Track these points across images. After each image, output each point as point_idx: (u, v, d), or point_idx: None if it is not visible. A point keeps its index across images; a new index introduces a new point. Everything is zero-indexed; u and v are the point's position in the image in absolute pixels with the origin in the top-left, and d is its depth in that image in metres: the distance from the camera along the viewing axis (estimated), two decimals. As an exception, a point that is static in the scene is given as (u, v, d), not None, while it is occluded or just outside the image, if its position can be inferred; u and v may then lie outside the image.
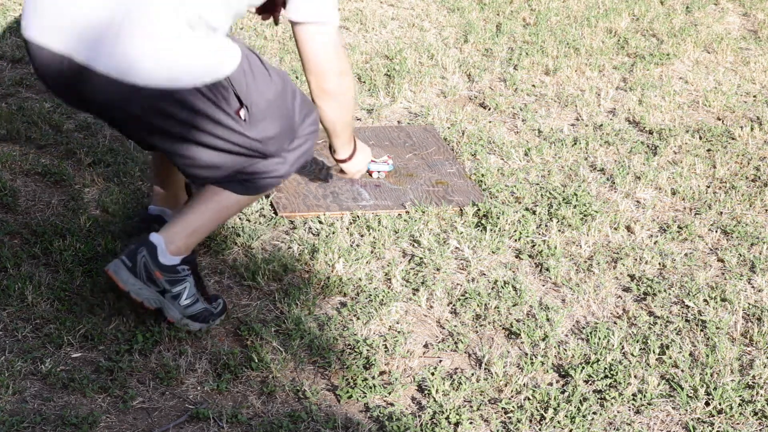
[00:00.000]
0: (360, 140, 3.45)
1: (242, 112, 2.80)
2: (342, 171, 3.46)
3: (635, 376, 2.85)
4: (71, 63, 2.72)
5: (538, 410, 2.72)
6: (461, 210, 3.60)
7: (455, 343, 2.97)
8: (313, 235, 3.44)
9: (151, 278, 2.83)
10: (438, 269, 3.28)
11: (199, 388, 2.75)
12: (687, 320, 3.11)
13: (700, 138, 4.22)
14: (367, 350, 2.90)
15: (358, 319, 3.03)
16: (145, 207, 3.36)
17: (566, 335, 3.03)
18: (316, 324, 2.99)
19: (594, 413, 2.72)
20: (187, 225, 2.89)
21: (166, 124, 2.77)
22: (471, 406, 2.73)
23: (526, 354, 2.94)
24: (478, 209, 3.58)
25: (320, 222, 3.49)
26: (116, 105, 2.77)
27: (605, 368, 2.87)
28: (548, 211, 3.61)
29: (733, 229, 3.57)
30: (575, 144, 4.11)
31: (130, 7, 2.66)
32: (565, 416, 2.69)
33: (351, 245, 3.37)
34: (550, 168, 3.91)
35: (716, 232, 3.57)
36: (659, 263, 3.38)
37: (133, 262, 2.83)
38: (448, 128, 4.19)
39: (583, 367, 2.86)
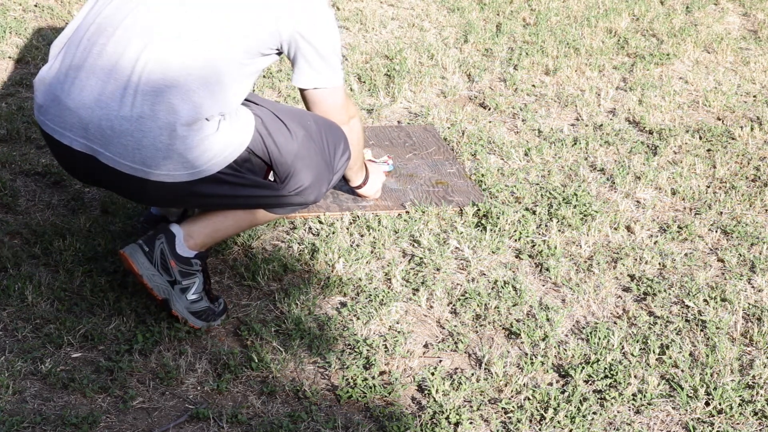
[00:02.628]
0: (370, 163, 3.58)
1: (271, 175, 2.88)
2: (360, 194, 3.60)
3: (635, 376, 2.85)
4: (95, 160, 2.77)
5: (538, 410, 2.72)
6: (461, 210, 3.60)
7: (455, 343, 2.97)
8: (313, 235, 3.44)
9: (165, 266, 2.86)
10: (438, 269, 3.28)
11: (199, 388, 2.75)
12: (687, 320, 3.11)
13: (700, 138, 4.22)
14: (367, 350, 2.90)
15: (358, 319, 3.03)
16: (147, 207, 3.37)
17: (566, 335, 3.03)
18: (316, 324, 2.99)
19: (594, 413, 2.72)
20: (210, 224, 2.92)
21: (196, 202, 2.90)
22: (471, 406, 2.73)
23: (526, 354, 2.94)
24: (478, 209, 3.58)
25: (320, 222, 3.49)
26: (142, 194, 2.88)
27: (605, 368, 2.87)
28: (548, 211, 3.61)
29: (733, 229, 3.57)
30: (575, 144, 4.11)
31: (150, 114, 2.71)
32: (565, 416, 2.69)
33: (351, 245, 3.37)
34: (550, 168, 3.91)
35: (716, 232, 3.57)
36: (659, 263, 3.38)
37: (150, 247, 2.85)
38: (448, 128, 4.19)
39: (583, 367, 2.86)
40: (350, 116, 3.11)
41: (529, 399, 2.76)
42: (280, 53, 2.92)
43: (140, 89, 2.70)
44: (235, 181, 2.83)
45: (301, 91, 3.01)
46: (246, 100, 2.92)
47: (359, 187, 3.52)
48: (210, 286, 2.99)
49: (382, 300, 3.11)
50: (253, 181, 2.86)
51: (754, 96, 4.64)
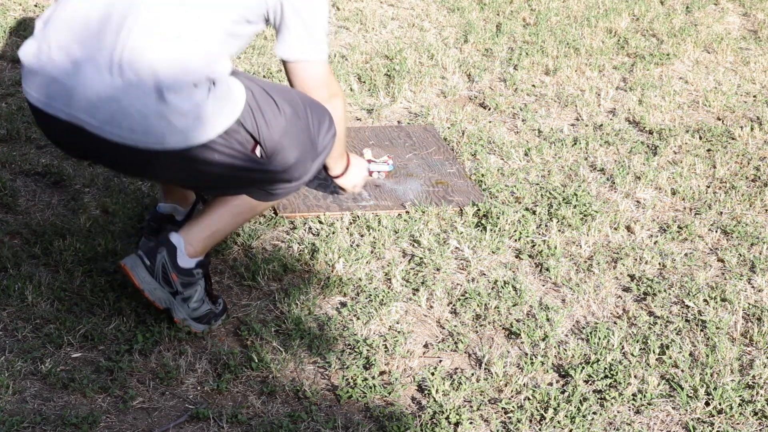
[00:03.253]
0: (354, 155, 3.47)
1: (258, 150, 2.83)
2: (342, 188, 3.50)
3: (635, 376, 2.85)
4: (82, 131, 2.73)
5: (538, 410, 2.72)
6: (461, 210, 3.60)
7: (455, 343, 2.97)
8: (313, 235, 3.44)
9: (167, 279, 2.84)
10: (438, 269, 3.28)
11: (199, 388, 2.75)
12: (687, 320, 3.11)
13: (700, 138, 4.22)
14: (367, 350, 2.90)
15: (358, 319, 3.03)
16: (154, 205, 3.36)
17: (566, 335, 3.03)
18: (316, 324, 2.99)
19: (594, 413, 2.72)
20: (207, 227, 2.90)
21: (184, 175, 2.83)
22: (471, 406, 2.73)
23: (526, 354, 2.94)
24: (478, 209, 3.58)
25: (320, 222, 3.49)
26: (129, 165, 2.82)
27: (605, 368, 2.87)
28: (548, 211, 3.61)
29: (733, 229, 3.57)
30: (575, 144, 4.11)
31: (136, 82, 2.66)
32: (565, 416, 2.69)
33: (351, 245, 3.37)
34: (550, 168, 3.91)
35: (716, 232, 3.57)
36: (659, 263, 3.38)
37: (152, 260, 2.83)
38: (448, 128, 4.19)
39: (583, 367, 2.86)
40: (332, 94, 3.03)
41: (529, 399, 2.76)
42: (267, 21, 2.88)
43: (125, 56, 2.66)
44: (226, 152, 2.77)
45: (284, 63, 2.96)
46: (236, 75, 2.90)
47: (338, 176, 3.41)
48: (211, 287, 2.99)
49: (382, 300, 3.11)
50: (243, 154, 2.80)
51: (754, 96, 4.64)
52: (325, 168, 3.35)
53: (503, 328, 3.05)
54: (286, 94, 2.92)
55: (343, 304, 3.11)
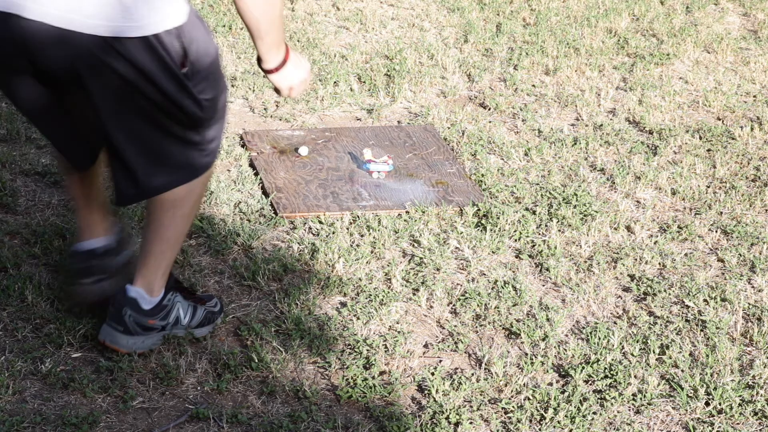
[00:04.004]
0: (296, 52, 2.91)
1: (186, 69, 2.59)
2: (277, 90, 2.89)
3: (635, 376, 2.85)
4: (8, 21, 2.49)
5: (538, 410, 2.72)
6: (461, 210, 3.60)
7: (455, 343, 2.97)
8: (313, 235, 3.44)
9: (147, 328, 2.81)
10: (438, 269, 3.28)
11: (199, 388, 2.75)
12: (687, 320, 3.11)
13: (700, 138, 4.22)
14: (367, 350, 2.90)
15: (358, 319, 3.03)
16: (73, 246, 3.04)
17: (566, 335, 3.03)
18: (316, 324, 2.99)
19: (594, 413, 2.72)
20: (155, 265, 2.80)
21: (109, 93, 2.56)
22: (471, 406, 2.73)
23: (526, 354, 2.94)
24: (478, 209, 3.58)
25: (320, 222, 3.49)
26: (50, 62, 2.53)
27: (605, 368, 2.87)
28: (548, 211, 3.61)
29: (733, 229, 3.57)
30: (575, 144, 4.11)
31: None
32: (565, 416, 2.69)
33: (351, 245, 3.37)
34: (550, 168, 3.91)
35: (716, 232, 3.57)
36: (659, 263, 3.38)
37: (122, 324, 2.79)
38: (448, 128, 4.19)
39: (583, 367, 2.86)
40: None
41: (529, 399, 2.76)
42: None
43: None
44: (161, 58, 2.51)
45: None
46: None
47: (272, 71, 2.83)
48: (191, 291, 2.96)
49: (382, 300, 3.11)
50: (174, 67, 2.55)
51: (754, 96, 4.64)
52: (258, 62, 2.82)
53: (503, 328, 3.05)
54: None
55: (343, 304, 3.11)
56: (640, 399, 2.78)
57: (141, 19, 2.48)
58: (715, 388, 2.81)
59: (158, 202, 2.75)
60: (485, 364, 2.88)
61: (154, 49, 2.51)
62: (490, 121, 4.28)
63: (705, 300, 3.19)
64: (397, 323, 3.03)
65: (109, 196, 3.00)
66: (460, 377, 2.82)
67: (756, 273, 3.35)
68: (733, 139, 4.22)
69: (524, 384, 2.81)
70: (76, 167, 2.87)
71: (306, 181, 3.73)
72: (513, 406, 2.73)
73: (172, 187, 2.72)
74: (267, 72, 2.84)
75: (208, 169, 2.78)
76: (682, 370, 2.88)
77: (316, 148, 3.95)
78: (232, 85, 4.42)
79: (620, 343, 2.98)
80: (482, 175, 3.82)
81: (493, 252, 3.39)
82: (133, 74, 2.53)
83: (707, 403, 2.78)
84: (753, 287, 3.29)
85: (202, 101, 2.65)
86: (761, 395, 2.80)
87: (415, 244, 3.41)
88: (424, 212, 3.56)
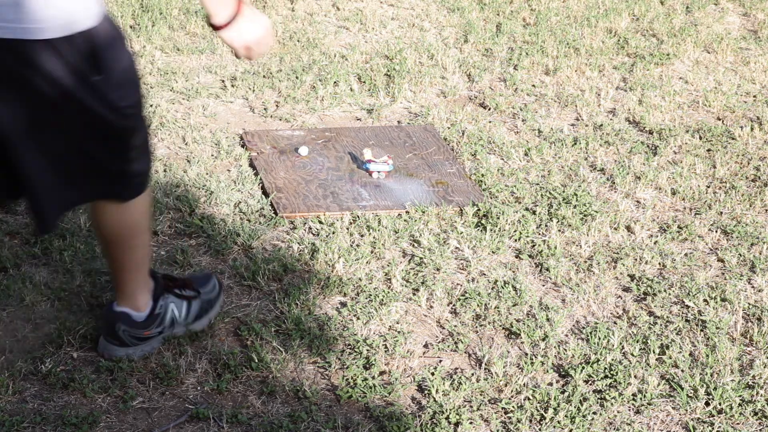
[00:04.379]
0: (251, 6, 2.53)
1: (99, 76, 2.39)
2: (225, 41, 2.54)
3: (635, 376, 2.85)
4: None
5: (538, 410, 2.72)
6: (461, 210, 3.60)
7: (455, 343, 2.97)
8: (313, 235, 3.44)
9: (143, 338, 2.81)
10: (438, 269, 3.28)
11: (199, 388, 2.75)
12: (687, 320, 3.11)
13: (700, 138, 4.22)
14: (367, 350, 2.90)
15: (358, 319, 3.03)
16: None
17: (566, 335, 3.03)
18: (316, 324, 2.99)
19: (594, 413, 2.72)
20: (132, 279, 2.76)
21: (10, 90, 2.33)
22: (471, 406, 2.73)
23: (526, 354, 2.94)
24: (478, 209, 3.58)
25: (320, 222, 3.49)
26: None
27: (605, 368, 2.87)
28: (548, 211, 3.61)
29: (733, 229, 3.57)
30: (575, 144, 4.11)
31: None
32: (565, 416, 2.69)
33: (351, 245, 3.37)
34: (550, 168, 3.91)
35: (716, 232, 3.57)
36: (659, 263, 3.38)
37: (118, 339, 2.79)
38: (448, 128, 4.19)
39: (583, 367, 2.86)
40: None
41: (529, 399, 2.76)
42: None
43: None
44: (69, 63, 2.32)
45: None
46: None
47: (221, 28, 2.49)
48: (183, 283, 2.91)
49: (382, 300, 3.11)
50: (84, 76, 2.35)
51: (754, 96, 4.64)
52: (208, 20, 2.51)
53: (503, 328, 3.05)
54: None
55: (343, 304, 3.11)
56: (640, 399, 2.78)
57: (45, 20, 2.27)
58: (715, 388, 2.81)
59: (109, 237, 2.70)
60: (485, 364, 2.88)
61: (59, 53, 2.31)
62: (490, 121, 4.28)
63: (705, 300, 3.19)
64: (397, 323, 3.04)
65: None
66: (460, 377, 2.82)
67: (756, 273, 3.35)
68: (733, 139, 4.22)
69: (524, 384, 2.81)
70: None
71: (306, 181, 3.73)
72: (513, 406, 2.73)
73: (92, 200, 2.61)
74: (216, 29, 2.50)
75: (142, 182, 2.63)
76: (682, 370, 2.88)
77: (316, 148, 3.95)
78: (232, 85, 4.42)
79: (620, 343, 2.98)
80: (482, 175, 3.82)
81: (493, 252, 3.39)
82: (40, 81, 2.32)
83: (707, 403, 2.78)
84: (753, 287, 3.29)
85: (122, 108, 2.45)
86: (761, 395, 2.80)
87: (415, 244, 3.41)
88: (424, 212, 3.56)
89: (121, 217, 2.67)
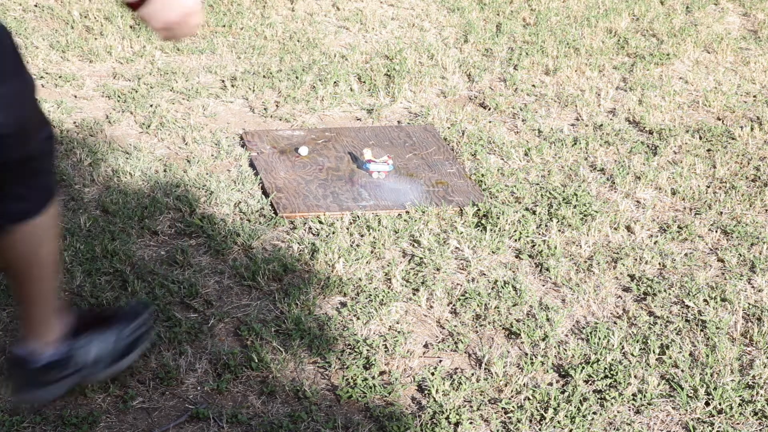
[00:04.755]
0: None
1: None
2: (145, 19, 2.19)
3: (635, 376, 2.85)
4: None
5: (538, 410, 2.72)
6: (461, 210, 3.60)
7: (455, 343, 2.97)
8: (313, 235, 3.44)
9: (53, 381, 2.53)
10: (438, 269, 3.28)
11: (199, 388, 2.75)
12: (687, 320, 3.11)
13: (700, 138, 4.22)
14: (367, 350, 2.90)
15: (358, 319, 3.03)
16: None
17: (566, 335, 3.03)
18: (316, 324, 2.99)
19: (594, 413, 2.72)
20: (41, 310, 2.47)
21: None
22: (471, 406, 2.73)
23: (526, 354, 2.94)
24: (478, 209, 3.58)
25: (320, 222, 3.49)
26: None
27: (605, 368, 2.87)
28: (548, 211, 3.61)
29: (733, 229, 3.57)
30: (575, 144, 4.11)
31: None
32: (565, 416, 2.69)
33: (351, 245, 3.37)
34: (550, 168, 3.91)
35: (716, 232, 3.57)
36: (659, 263, 3.38)
37: (27, 381, 2.51)
38: (448, 128, 4.19)
39: (583, 367, 2.86)
40: None
41: (529, 399, 2.76)
42: None
43: None
44: None
45: None
46: None
47: (136, 4, 2.14)
48: (104, 318, 2.65)
49: (382, 300, 3.11)
50: None
51: (754, 96, 4.64)
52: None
53: (503, 328, 3.05)
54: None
55: (343, 304, 3.11)
56: (640, 399, 2.78)
57: None
58: (715, 388, 2.81)
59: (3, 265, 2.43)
60: (485, 364, 2.88)
61: None
62: (490, 121, 4.28)
63: (705, 300, 3.19)
64: (397, 323, 3.04)
65: None
66: (460, 377, 2.82)
67: (756, 273, 3.35)
68: (733, 139, 4.22)
69: (524, 384, 2.81)
70: None
71: (306, 181, 3.73)
72: (513, 406, 2.73)
73: None
74: (130, 6, 2.15)
75: (23, 209, 2.32)
76: (682, 370, 2.88)
77: (316, 148, 3.95)
78: (232, 85, 4.42)
79: (620, 343, 2.98)
80: (482, 175, 3.82)
81: (493, 252, 3.39)
82: None
83: (707, 403, 2.78)
84: (753, 287, 3.29)
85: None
86: (761, 395, 2.80)
87: (415, 244, 3.41)
88: (424, 212, 3.56)
89: (10, 245, 2.34)
